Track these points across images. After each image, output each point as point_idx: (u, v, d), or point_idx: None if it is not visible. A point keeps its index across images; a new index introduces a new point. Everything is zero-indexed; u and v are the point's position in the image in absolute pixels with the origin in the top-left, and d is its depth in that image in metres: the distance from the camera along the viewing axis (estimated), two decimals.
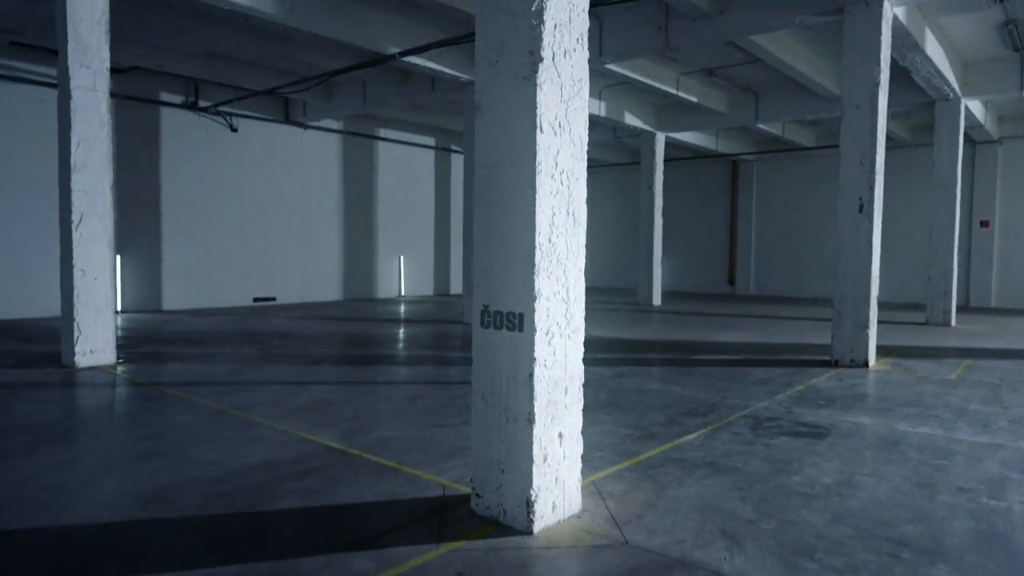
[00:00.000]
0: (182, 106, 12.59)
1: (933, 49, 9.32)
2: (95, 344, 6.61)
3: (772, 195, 18.92)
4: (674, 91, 11.93)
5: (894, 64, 9.42)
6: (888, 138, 14.76)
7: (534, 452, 2.82)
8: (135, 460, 3.80)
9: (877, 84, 7.13)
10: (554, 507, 2.93)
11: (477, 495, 3.03)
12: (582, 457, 3.10)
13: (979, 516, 3.11)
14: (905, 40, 8.43)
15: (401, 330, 10.18)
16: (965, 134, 14.10)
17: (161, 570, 2.54)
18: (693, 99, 12.52)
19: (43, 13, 8.57)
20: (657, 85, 11.47)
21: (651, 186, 15.13)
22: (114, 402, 5.27)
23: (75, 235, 6.48)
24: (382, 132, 16.13)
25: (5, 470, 3.61)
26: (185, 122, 12.69)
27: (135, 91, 11.86)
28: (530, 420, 2.82)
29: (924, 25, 8.85)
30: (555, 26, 2.79)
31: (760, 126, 14.64)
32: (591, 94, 12.24)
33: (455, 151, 17.78)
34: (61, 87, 6.50)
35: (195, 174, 12.85)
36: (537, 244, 2.78)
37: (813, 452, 4.07)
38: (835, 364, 7.32)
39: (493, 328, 2.93)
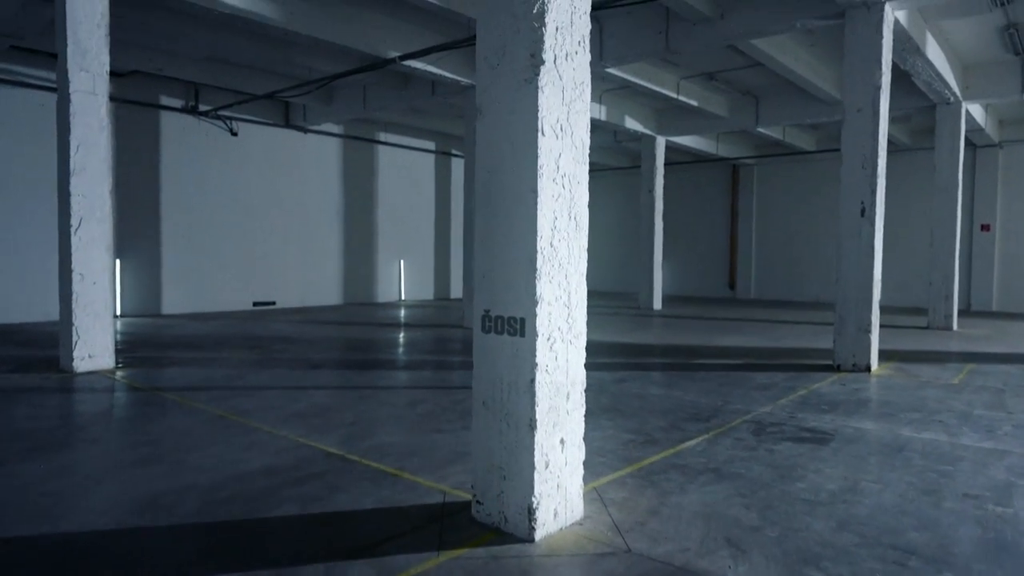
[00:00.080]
0: (182, 110, 12.59)
1: (934, 53, 9.31)
2: (94, 349, 6.58)
3: (772, 199, 18.91)
4: (674, 95, 11.92)
5: (894, 68, 9.41)
6: (889, 142, 14.75)
7: (535, 459, 2.79)
8: (133, 466, 3.77)
9: (879, 88, 7.11)
10: (556, 514, 2.90)
11: (478, 502, 2.99)
12: (583, 463, 3.06)
13: (986, 523, 3.07)
14: (906, 44, 8.42)
15: (401, 334, 10.15)
16: (966, 138, 14.10)
17: None
18: (694, 103, 12.52)
19: (43, 17, 8.56)
20: (657, 89, 11.46)
21: (651, 190, 15.12)
22: (112, 407, 5.24)
23: (74, 239, 6.45)
24: (382, 136, 16.13)
25: (3, 476, 3.58)
26: (185, 126, 12.68)
27: (135, 95, 11.86)
28: (531, 426, 2.78)
29: (925, 29, 8.84)
30: (556, 28, 2.77)
31: (760, 130, 14.63)
32: (591, 98, 12.24)
33: (455, 155, 17.77)
34: (60, 91, 6.48)
35: (195, 178, 12.83)
36: (539, 248, 2.76)
37: (817, 458, 4.04)
38: (837, 368, 7.28)
39: (494, 333, 2.90)
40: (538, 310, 2.76)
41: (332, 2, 8.45)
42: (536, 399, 2.77)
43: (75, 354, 6.45)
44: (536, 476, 2.79)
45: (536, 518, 2.79)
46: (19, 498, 3.27)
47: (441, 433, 4.49)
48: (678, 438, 4.45)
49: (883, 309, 8.23)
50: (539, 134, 2.73)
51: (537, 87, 2.72)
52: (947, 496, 3.41)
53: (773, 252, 18.91)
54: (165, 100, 12.39)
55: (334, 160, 15.23)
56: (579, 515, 3.04)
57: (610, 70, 10.12)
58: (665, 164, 15.67)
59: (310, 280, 14.81)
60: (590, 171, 2.89)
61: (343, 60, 10.37)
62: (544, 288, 2.79)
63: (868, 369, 7.12)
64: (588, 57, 2.95)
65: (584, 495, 3.14)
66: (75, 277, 6.46)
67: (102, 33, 6.55)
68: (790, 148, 16.97)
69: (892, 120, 14.71)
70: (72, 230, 6.44)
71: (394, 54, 9.11)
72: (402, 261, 16.77)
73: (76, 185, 6.45)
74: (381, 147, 16.13)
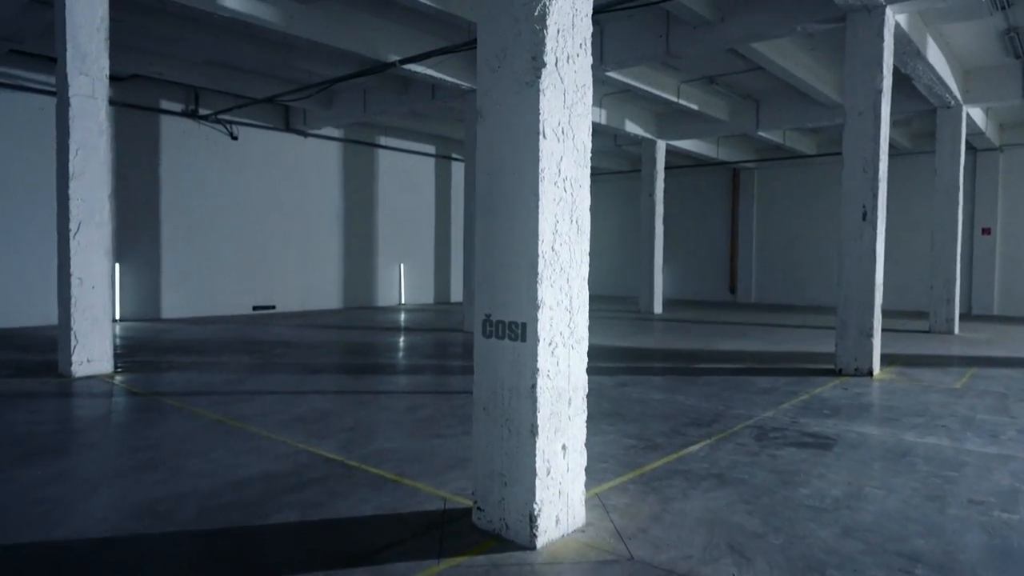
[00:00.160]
0: (182, 114, 12.58)
1: (935, 56, 9.30)
2: (92, 353, 6.55)
3: (773, 203, 18.90)
4: (675, 99, 11.91)
5: (895, 72, 9.40)
6: (889, 146, 14.73)
7: (537, 465, 2.76)
8: (131, 472, 3.73)
9: (880, 91, 7.10)
10: (557, 521, 2.87)
11: (479, 509, 2.96)
12: (585, 469, 3.03)
13: (992, 530, 3.04)
14: (907, 47, 8.41)
15: (401, 339, 10.12)
16: (966, 142, 14.08)
17: None
18: (694, 107, 12.51)
19: (43, 20, 8.55)
20: (658, 93, 11.46)
21: (652, 194, 15.10)
22: (110, 412, 5.21)
23: (73, 243, 6.43)
24: (382, 140, 16.12)
25: (0, 481, 3.56)
26: (185, 130, 12.67)
27: (135, 99, 11.85)
28: (533, 432, 2.76)
29: (926, 32, 8.84)
30: (558, 31, 2.75)
31: (761, 134, 14.62)
32: (591, 102, 12.23)
33: (455, 159, 17.76)
34: (60, 94, 6.47)
35: (195, 182, 12.82)
36: (540, 252, 2.73)
37: (820, 463, 4.01)
38: (839, 373, 7.25)
39: (495, 338, 2.87)
40: (539, 315, 2.74)
41: (332, 6, 8.45)
42: (537, 404, 2.75)
43: (74, 358, 6.42)
44: (538, 482, 2.76)
45: (538, 525, 2.76)
46: (16, 504, 3.23)
47: (441, 438, 4.46)
48: (680, 443, 4.42)
49: (884, 313, 8.18)
50: (540, 137, 2.71)
51: (538, 90, 2.70)
52: (952, 502, 3.38)
53: (774, 256, 18.89)
54: (165, 104, 12.38)
55: (334, 164, 15.22)
56: (581, 522, 3.00)
57: (610, 74, 10.11)
58: (665, 168, 15.66)
59: (310, 284, 14.79)
60: (590, 175, 2.86)
61: (343, 64, 10.36)
62: (545, 292, 2.76)
63: (870, 373, 7.09)
64: (590, 60, 2.93)
65: (586, 501, 3.10)
66: (74, 281, 6.43)
67: (102, 37, 6.53)
68: (790, 152, 16.96)
69: (893, 124, 14.70)
70: (71, 234, 6.42)
71: (394, 58, 9.11)
72: (402, 265, 16.75)
73: (75, 189, 6.43)
74: (381, 151, 16.12)
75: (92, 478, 3.67)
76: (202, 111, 12.74)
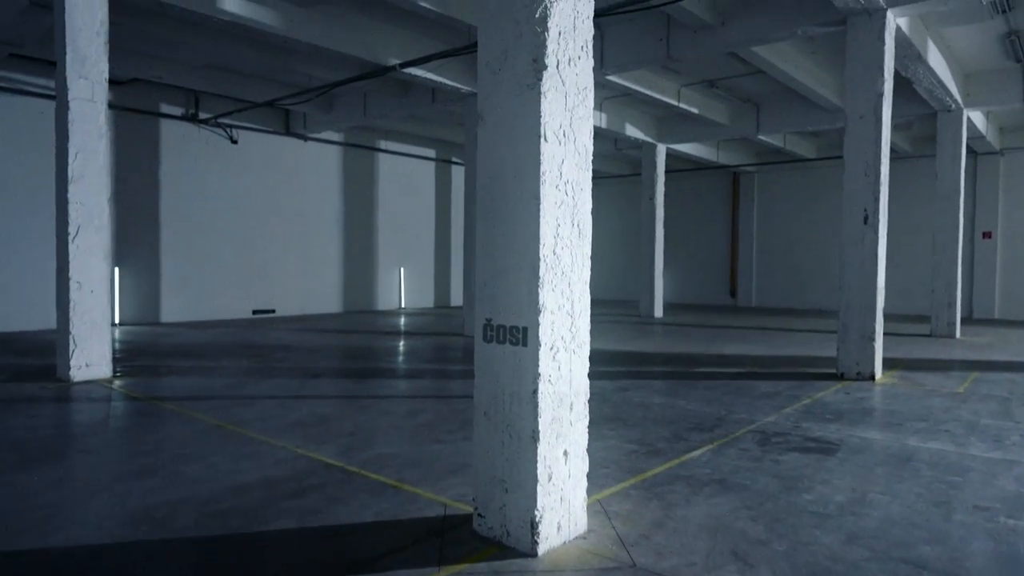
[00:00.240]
0: (182, 118, 12.57)
1: (935, 60, 9.29)
2: (91, 358, 6.52)
3: (773, 206, 18.89)
4: (675, 102, 11.91)
5: (895, 75, 9.38)
6: (890, 149, 14.73)
7: (538, 471, 2.73)
8: (128, 478, 3.70)
9: (881, 94, 7.08)
10: (559, 528, 2.84)
11: (479, 515, 2.93)
12: (587, 475, 3.00)
13: (998, 536, 3.01)
14: (908, 51, 8.40)
15: (401, 343, 10.09)
16: (967, 145, 14.07)
17: None
18: (694, 110, 12.50)
19: (43, 24, 8.54)
20: (658, 96, 11.45)
21: (652, 197, 15.09)
22: (109, 417, 5.17)
23: (72, 247, 6.41)
24: (382, 144, 16.12)
25: None
26: (185, 134, 12.66)
27: (135, 103, 11.84)
28: (534, 438, 2.73)
29: (927, 36, 8.83)
30: (559, 33, 2.73)
31: (761, 137, 14.61)
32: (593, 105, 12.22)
33: (455, 163, 17.76)
34: (59, 98, 6.45)
35: (195, 186, 12.80)
36: (541, 256, 2.71)
37: (823, 469, 3.97)
38: (841, 377, 7.22)
39: (496, 342, 2.85)
40: (541, 319, 2.71)
41: (332, 9, 8.44)
42: (539, 410, 2.72)
43: (72, 363, 6.39)
44: (539, 488, 2.73)
45: (539, 532, 2.73)
46: (15, 510, 3.20)
47: (442, 444, 4.43)
48: (682, 448, 4.38)
49: (886, 317, 8.15)
50: (542, 140, 2.69)
51: (540, 92, 2.68)
52: (957, 508, 3.35)
53: (774, 260, 18.88)
54: (165, 108, 12.37)
55: (334, 168, 15.21)
56: (583, 528, 2.97)
57: (611, 77, 10.10)
58: (666, 171, 15.65)
59: (310, 288, 14.76)
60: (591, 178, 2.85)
61: (343, 68, 10.36)
62: (547, 297, 2.73)
63: (872, 377, 7.06)
64: (591, 62, 2.91)
65: (587, 508, 3.07)
66: (72, 285, 6.41)
67: (101, 40, 6.52)
68: (791, 155, 16.95)
69: (893, 127, 14.70)
70: (70, 238, 6.40)
71: (394, 62, 9.10)
72: (402, 269, 16.72)
73: (74, 193, 6.41)
74: (381, 155, 16.12)
75: (90, 484, 3.64)
76: (202, 115, 12.73)
